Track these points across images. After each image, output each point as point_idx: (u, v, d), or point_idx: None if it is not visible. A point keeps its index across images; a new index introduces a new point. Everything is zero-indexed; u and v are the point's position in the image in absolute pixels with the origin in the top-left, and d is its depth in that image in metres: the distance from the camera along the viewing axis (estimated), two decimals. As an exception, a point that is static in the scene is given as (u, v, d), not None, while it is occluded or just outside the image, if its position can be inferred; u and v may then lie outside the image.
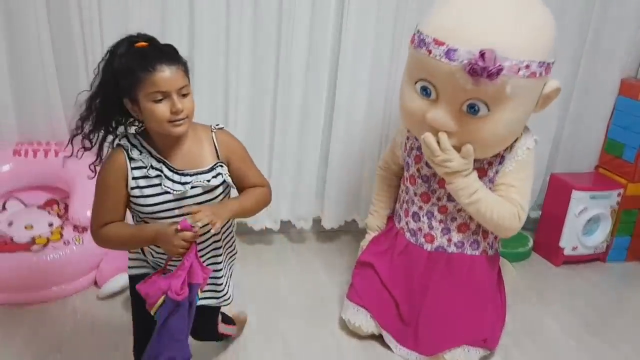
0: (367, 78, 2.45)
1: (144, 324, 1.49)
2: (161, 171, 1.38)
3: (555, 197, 2.71)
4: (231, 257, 1.69)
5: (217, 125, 1.51)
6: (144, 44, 1.33)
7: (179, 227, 1.33)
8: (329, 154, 2.57)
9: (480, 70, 1.53)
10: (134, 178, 1.38)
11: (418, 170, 1.91)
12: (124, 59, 1.31)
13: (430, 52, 1.63)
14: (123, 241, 1.43)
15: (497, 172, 1.82)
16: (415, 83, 1.74)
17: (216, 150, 1.47)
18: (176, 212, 1.39)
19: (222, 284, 1.61)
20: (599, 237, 2.69)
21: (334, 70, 2.44)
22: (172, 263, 1.43)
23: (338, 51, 2.41)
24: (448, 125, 1.68)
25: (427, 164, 1.86)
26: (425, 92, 1.71)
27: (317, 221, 2.70)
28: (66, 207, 2.24)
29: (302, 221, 2.64)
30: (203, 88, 2.27)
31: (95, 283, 2.19)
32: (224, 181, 1.45)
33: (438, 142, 1.71)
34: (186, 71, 1.36)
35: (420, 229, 1.93)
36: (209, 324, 1.75)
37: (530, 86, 1.66)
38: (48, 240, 2.09)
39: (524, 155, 1.81)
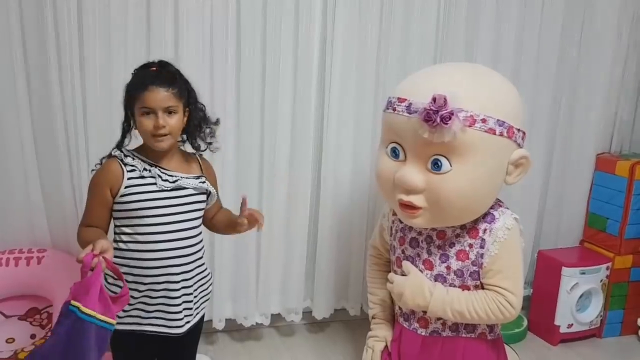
0: (350, 159, 2.50)
1: None
2: (154, 172, 1.56)
3: (545, 274, 2.70)
4: (203, 287, 1.71)
5: (200, 153, 1.73)
6: (153, 68, 1.58)
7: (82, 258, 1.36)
8: (317, 242, 2.55)
9: (433, 114, 1.57)
10: (129, 179, 1.54)
11: (403, 252, 1.90)
12: (134, 78, 1.58)
13: (395, 109, 1.71)
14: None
15: (480, 255, 1.80)
16: (387, 147, 1.78)
17: (201, 168, 1.69)
18: (165, 210, 1.55)
19: (173, 312, 1.60)
20: (593, 312, 2.67)
21: (318, 164, 2.50)
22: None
23: (320, 151, 2.47)
24: (415, 180, 1.69)
25: (410, 245, 1.86)
26: (394, 153, 1.75)
27: (307, 312, 2.64)
28: (49, 316, 2.16)
29: (293, 314, 2.58)
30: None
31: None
32: (209, 190, 1.65)
33: None
34: (179, 94, 1.56)
35: (413, 313, 1.89)
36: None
37: (490, 143, 1.67)
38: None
39: (506, 236, 1.77)
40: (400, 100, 1.70)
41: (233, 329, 2.55)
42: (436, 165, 1.67)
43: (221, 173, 2.32)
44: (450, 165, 1.66)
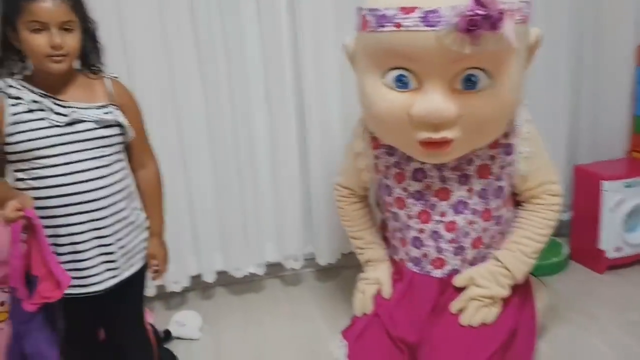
0: (336, 87, 2.16)
1: None
2: (45, 104, 1.30)
3: (584, 192, 2.30)
4: (130, 236, 1.44)
5: (112, 74, 1.43)
6: None
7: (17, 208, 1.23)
8: (310, 182, 2.26)
9: (481, 21, 1.19)
10: (14, 114, 1.29)
11: (405, 189, 1.56)
12: None
13: (399, 25, 1.28)
14: None
15: (509, 163, 1.49)
16: (384, 77, 1.39)
17: (110, 96, 1.39)
18: (61, 148, 1.30)
19: (85, 267, 1.37)
20: (645, 231, 2.26)
21: (300, 97, 2.18)
22: None
23: (300, 80, 2.15)
24: (449, 111, 1.31)
25: (414, 178, 1.53)
26: (400, 82, 1.36)
27: (310, 258, 2.37)
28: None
29: (292, 260, 2.31)
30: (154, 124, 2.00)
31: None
32: (119, 123, 1.37)
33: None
34: (75, 7, 1.29)
35: (425, 255, 1.56)
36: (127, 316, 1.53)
37: (524, 35, 1.36)
38: (-6, 320, 1.85)
39: (528, 129, 1.50)
40: (406, 10, 1.27)
41: (228, 282, 2.33)
42: (470, 82, 1.32)
43: (189, 111, 2.10)
44: (489, 78, 1.32)
